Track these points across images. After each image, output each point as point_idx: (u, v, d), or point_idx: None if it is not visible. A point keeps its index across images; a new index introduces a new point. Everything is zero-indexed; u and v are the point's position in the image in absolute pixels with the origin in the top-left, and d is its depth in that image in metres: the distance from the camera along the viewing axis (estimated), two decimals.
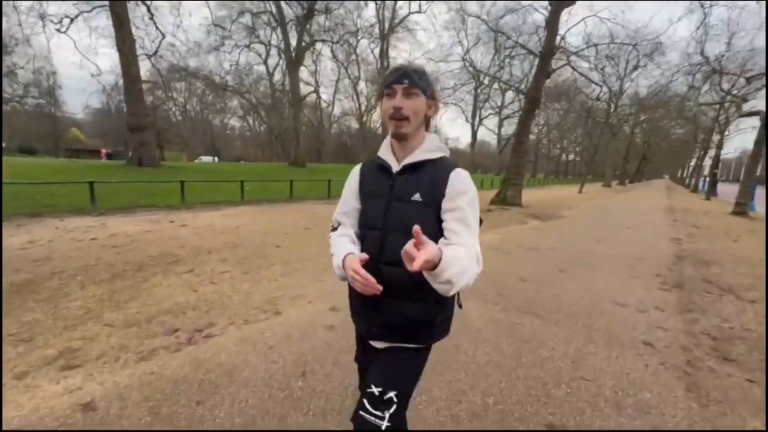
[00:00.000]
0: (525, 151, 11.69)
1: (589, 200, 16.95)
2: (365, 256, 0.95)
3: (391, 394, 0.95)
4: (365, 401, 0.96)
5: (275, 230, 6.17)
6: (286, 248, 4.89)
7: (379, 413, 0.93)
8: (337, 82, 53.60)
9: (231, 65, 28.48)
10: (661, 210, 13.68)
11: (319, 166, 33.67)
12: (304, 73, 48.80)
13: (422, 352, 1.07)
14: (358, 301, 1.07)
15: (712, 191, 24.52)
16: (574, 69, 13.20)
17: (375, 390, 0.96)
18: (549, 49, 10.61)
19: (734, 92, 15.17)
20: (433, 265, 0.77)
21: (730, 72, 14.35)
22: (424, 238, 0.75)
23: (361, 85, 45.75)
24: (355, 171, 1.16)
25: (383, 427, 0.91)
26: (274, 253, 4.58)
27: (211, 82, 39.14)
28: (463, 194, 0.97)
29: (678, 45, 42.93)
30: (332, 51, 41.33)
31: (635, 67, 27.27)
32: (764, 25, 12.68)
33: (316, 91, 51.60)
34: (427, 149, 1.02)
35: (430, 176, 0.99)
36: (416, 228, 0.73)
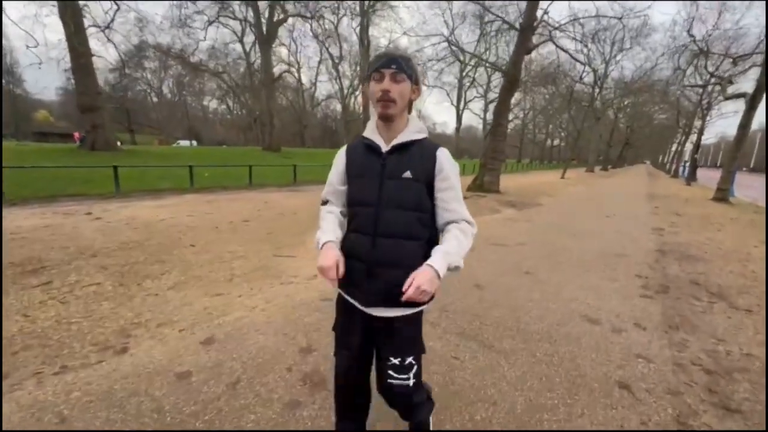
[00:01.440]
0: (503, 134, 10.91)
1: (571, 186, 16.47)
2: (342, 271, 1.05)
3: (410, 359, 1.15)
4: (390, 371, 1.14)
5: (206, 224, 5.28)
6: (202, 248, 4.04)
7: (404, 376, 1.14)
8: (320, 63, 51.45)
9: (198, 42, 26.34)
10: (643, 196, 13.27)
11: (297, 150, 32.18)
12: (284, 52, 46.72)
13: (418, 315, 1.18)
14: (356, 273, 1.09)
15: (692, 176, 24.63)
16: (556, 45, 12.36)
17: (395, 361, 1.14)
18: (529, 22, 9.72)
19: (719, 74, 14.67)
20: (435, 277, 0.98)
21: (716, 53, 13.80)
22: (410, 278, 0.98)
23: (345, 66, 43.94)
24: (341, 153, 1.19)
25: (411, 383, 1.15)
26: (180, 256, 3.72)
27: (184, 61, 36.74)
28: (452, 171, 1.10)
29: (664, 27, 42.74)
30: (312, 29, 39.30)
31: (621, 50, 26.81)
32: (752, 4, 12.05)
33: (297, 71, 49.48)
34: (413, 130, 1.10)
35: (419, 155, 1.09)
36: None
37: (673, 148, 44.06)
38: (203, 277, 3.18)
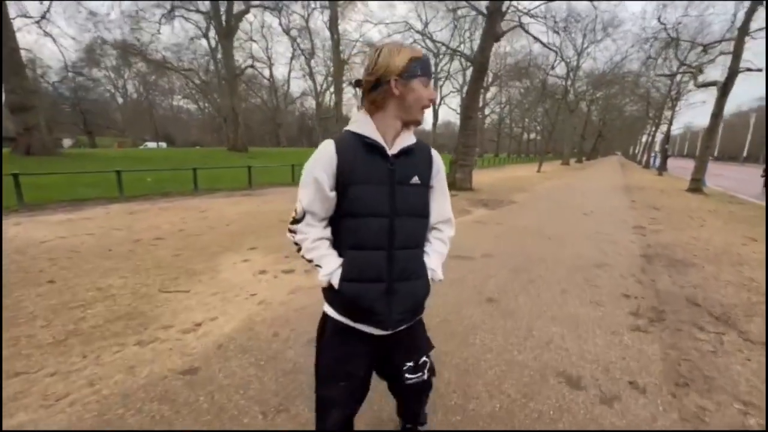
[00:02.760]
0: (474, 127, 10.19)
1: (546, 180, 16.04)
2: None
3: (423, 358, 1.15)
4: (406, 374, 1.12)
5: (100, 245, 4.22)
6: (61, 286, 3.00)
7: (419, 374, 1.14)
8: (292, 59, 49.72)
9: (153, 35, 24.44)
10: (619, 189, 12.92)
11: (267, 150, 30.64)
12: (255, 48, 44.65)
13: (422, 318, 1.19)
14: (372, 296, 0.98)
15: (663, 167, 24.98)
16: (526, 31, 11.74)
17: (410, 364, 1.12)
18: (496, 6, 9.01)
19: (688, 63, 14.52)
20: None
21: (687, 40, 13.59)
22: None
23: (320, 64, 42.52)
24: (328, 150, 0.94)
25: (425, 377, 1.16)
26: (16, 301, 2.70)
27: (144, 58, 34.45)
28: (442, 170, 1.09)
29: (634, 17, 43.70)
30: (281, 23, 37.73)
31: (592, 41, 26.91)
32: None
33: (269, 67, 47.70)
34: (410, 134, 1.02)
35: (420, 158, 1.03)
36: None
37: (644, 140, 45.21)
38: (20, 339, 2.19)
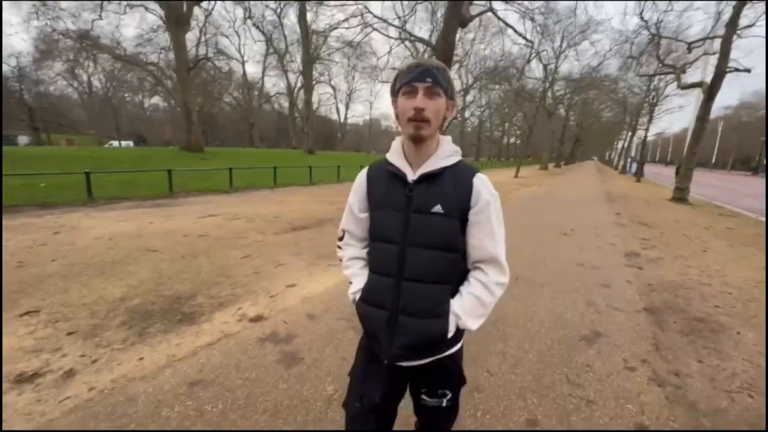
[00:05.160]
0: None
1: (523, 187, 14.87)
2: None
3: (449, 396, 1.01)
4: (423, 396, 1.00)
5: None
6: None
7: (436, 399, 1.00)
8: (266, 56, 47.58)
9: (115, 26, 21.95)
10: (600, 198, 11.83)
11: (231, 151, 28.14)
12: (225, 43, 42.21)
13: (459, 350, 1.02)
14: (376, 322, 0.95)
15: (640, 172, 24.69)
16: (497, 17, 10.47)
17: (431, 401, 1.00)
18: None
19: (670, 64, 13.67)
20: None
21: (670, 37, 12.71)
22: None
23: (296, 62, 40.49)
24: (362, 177, 1.03)
25: (444, 404, 1.01)
26: None
27: (101, 49, 31.67)
28: (491, 203, 0.92)
29: (612, 17, 44.05)
30: (249, 15, 35.74)
31: (570, 45, 26.39)
32: None
33: (242, 65, 45.46)
34: (444, 155, 0.93)
35: (452, 184, 0.91)
36: None
37: (620, 145, 45.54)
38: None
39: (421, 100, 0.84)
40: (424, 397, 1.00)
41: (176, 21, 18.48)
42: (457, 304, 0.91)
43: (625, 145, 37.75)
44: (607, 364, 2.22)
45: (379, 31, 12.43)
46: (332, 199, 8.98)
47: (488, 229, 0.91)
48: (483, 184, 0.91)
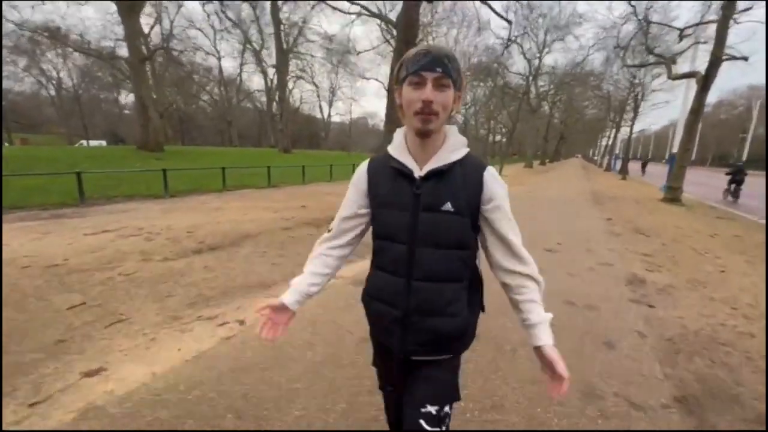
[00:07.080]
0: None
1: (508, 187, 13.81)
2: (273, 331, 0.93)
3: (446, 409, 0.93)
4: (422, 422, 0.88)
5: None
6: None
7: (437, 428, 0.89)
8: (243, 52, 45.56)
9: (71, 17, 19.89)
10: (587, 198, 10.83)
11: (194, 150, 25.96)
12: (198, 37, 40.01)
13: (458, 359, 1.01)
14: (388, 320, 0.92)
15: (624, 169, 24.29)
16: None
17: (432, 410, 0.91)
18: None
19: (659, 54, 12.80)
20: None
21: (660, 23, 11.81)
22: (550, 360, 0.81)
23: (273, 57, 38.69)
24: (361, 172, 0.95)
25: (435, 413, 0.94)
26: None
27: (58, 39, 29.35)
28: (504, 197, 0.89)
29: (595, 10, 43.84)
30: (222, 6, 33.84)
31: (554, 39, 25.68)
32: None
33: (218, 60, 43.38)
34: (451, 148, 0.87)
35: (461, 180, 0.86)
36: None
37: (603, 143, 45.44)
38: None
39: (431, 92, 0.77)
40: (423, 422, 0.85)
41: (128, 6, 16.69)
42: (533, 315, 0.87)
43: (609, 142, 37.46)
44: None
45: (331, 5, 11.08)
46: (280, 206, 7.64)
47: (509, 225, 0.89)
48: (494, 179, 0.87)
